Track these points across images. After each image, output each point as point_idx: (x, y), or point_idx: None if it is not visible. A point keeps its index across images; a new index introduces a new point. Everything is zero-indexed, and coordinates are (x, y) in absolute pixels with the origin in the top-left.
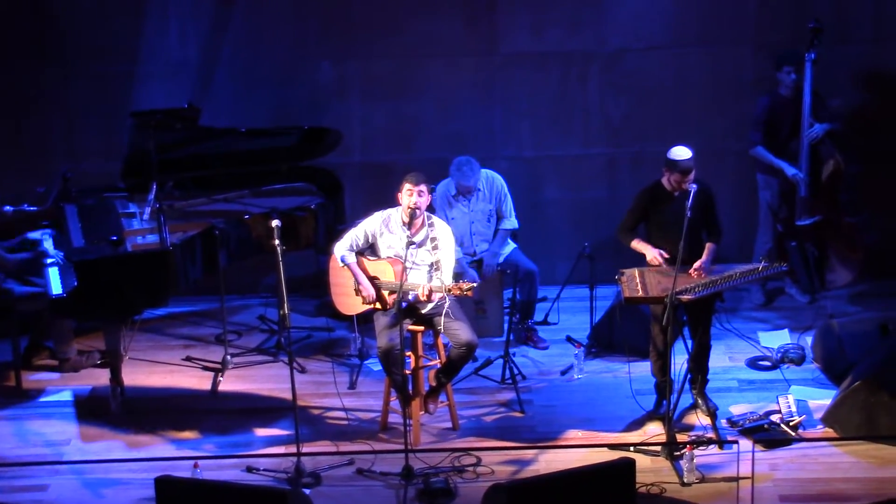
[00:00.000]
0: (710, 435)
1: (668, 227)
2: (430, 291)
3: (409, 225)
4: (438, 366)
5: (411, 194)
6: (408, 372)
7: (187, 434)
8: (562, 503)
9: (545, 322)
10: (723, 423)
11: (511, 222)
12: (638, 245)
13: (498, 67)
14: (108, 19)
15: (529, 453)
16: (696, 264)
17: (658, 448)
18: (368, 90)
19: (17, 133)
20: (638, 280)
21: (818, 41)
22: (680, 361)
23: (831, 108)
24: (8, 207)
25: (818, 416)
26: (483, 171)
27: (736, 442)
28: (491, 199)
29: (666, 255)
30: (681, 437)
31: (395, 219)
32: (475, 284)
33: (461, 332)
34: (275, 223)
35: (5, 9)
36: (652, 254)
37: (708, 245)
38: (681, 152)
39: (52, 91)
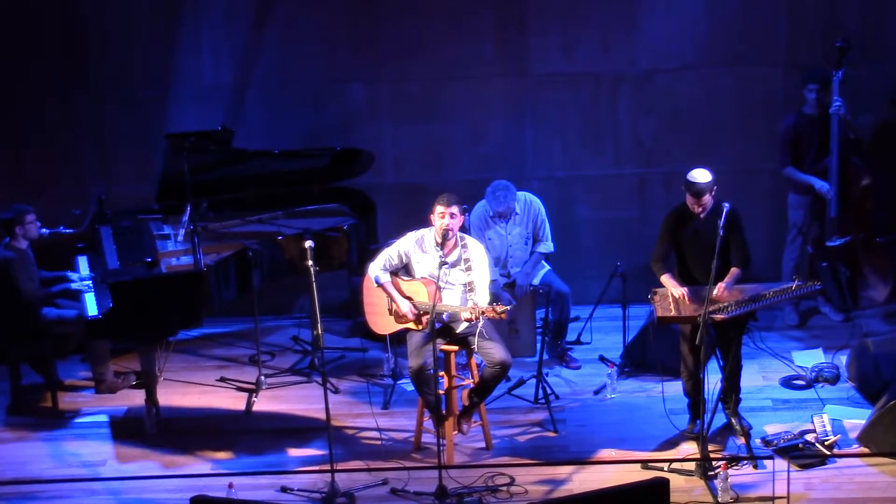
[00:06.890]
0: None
1: (693, 248)
2: (474, 313)
3: (442, 245)
4: (472, 385)
5: (443, 217)
6: (441, 392)
7: (222, 454)
8: None
9: (578, 342)
10: (757, 442)
11: (547, 246)
12: (666, 281)
13: (529, 88)
14: (141, 44)
15: (563, 473)
16: (719, 286)
17: (692, 467)
18: (400, 112)
19: (51, 157)
20: (671, 299)
21: (846, 60)
22: (713, 381)
23: (858, 126)
24: (45, 230)
25: (853, 435)
26: (522, 194)
27: (771, 460)
28: (527, 222)
29: (689, 297)
30: (715, 457)
31: (428, 239)
32: (509, 308)
33: (495, 351)
34: (308, 244)
35: (37, 35)
36: (679, 292)
37: (732, 269)
38: (697, 174)
39: (86, 115)
